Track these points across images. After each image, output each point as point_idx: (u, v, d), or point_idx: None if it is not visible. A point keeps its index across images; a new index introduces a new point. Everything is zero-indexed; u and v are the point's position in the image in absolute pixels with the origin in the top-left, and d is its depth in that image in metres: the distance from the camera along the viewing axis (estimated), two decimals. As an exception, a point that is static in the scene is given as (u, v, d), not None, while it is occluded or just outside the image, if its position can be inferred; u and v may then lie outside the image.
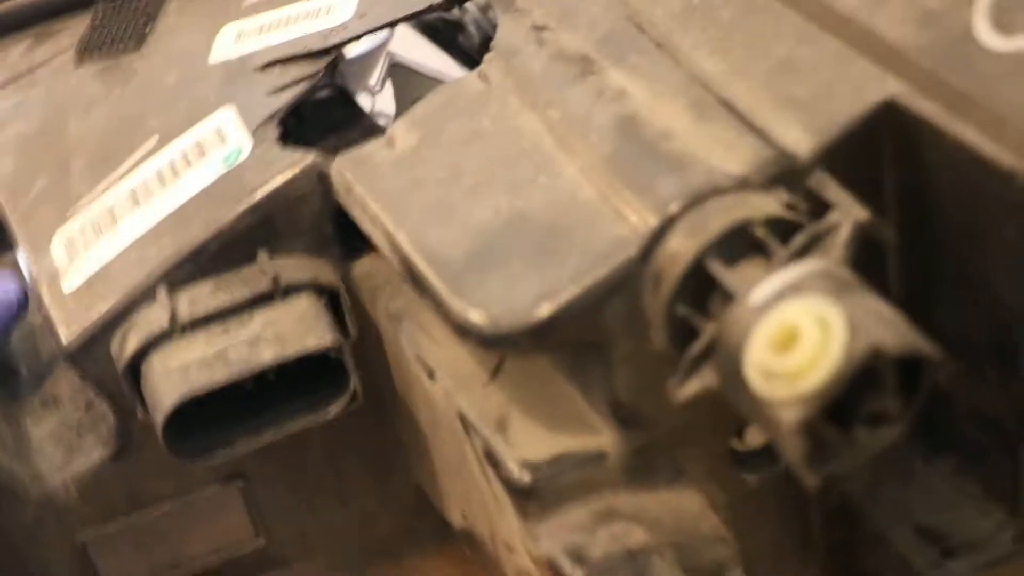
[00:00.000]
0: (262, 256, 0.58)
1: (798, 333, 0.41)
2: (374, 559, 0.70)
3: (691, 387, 0.46)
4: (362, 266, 0.59)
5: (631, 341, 0.48)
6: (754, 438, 0.52)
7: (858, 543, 0.54)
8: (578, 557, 0.49)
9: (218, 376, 0.55)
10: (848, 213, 0.45)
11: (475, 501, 0.56)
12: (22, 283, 0.62)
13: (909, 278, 0.50)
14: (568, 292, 0.47)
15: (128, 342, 0.57)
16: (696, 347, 0.45)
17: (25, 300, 0.62)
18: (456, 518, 0.61)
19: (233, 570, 0.67)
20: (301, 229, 0.58)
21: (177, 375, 0.56)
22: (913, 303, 0.48)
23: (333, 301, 0.58)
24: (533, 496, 0.50)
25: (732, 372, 0.43)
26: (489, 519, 0.55)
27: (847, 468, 0.43)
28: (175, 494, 0.63)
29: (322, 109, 0.65)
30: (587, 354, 0.49)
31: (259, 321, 0.57)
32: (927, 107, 0.46)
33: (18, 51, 0.75)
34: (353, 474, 0.65)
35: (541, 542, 0.50)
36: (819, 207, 0.46)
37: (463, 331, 0.48)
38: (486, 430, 0.51)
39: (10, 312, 0.61)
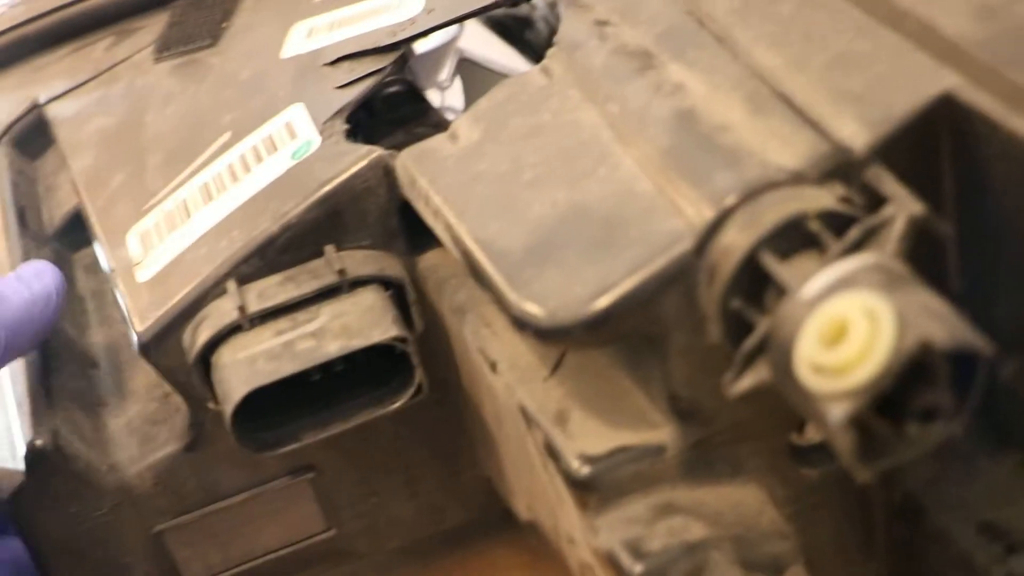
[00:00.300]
0: (329, 250, 0.58)
1: (847, 327, 0.41)
2: (444, 550, 0.70)
3: (745, 382, 0.45)
4: (428, 259, 0.60)
5: (687, 334, 0.48)
6: (814, 433, 0.52)
7: (921, 540, 0.54)
8: (636, 550, 0.49)
9: (285, 368, 0.56)
10: (903, 207, 0.45)
11: (538, 494, 0.56)
12: (59, 274, 0.63)
13: (968, 273, 0.49)
14: (624, 285, 0.47)
15: (199, 334, 0.58)
16: (750, 341, 0.45)
17: (63, 291, 0.63)
18: (522, 510, 0.62)
19: (306, 563, 0.68)
20: (368, 223, 0.59)
21: (245, 367, 0.56)
22: (973, 298, 0.47)
23: (399, 294, 0.59)
24: (592, 489, 0.50)
25: (784, 367, 0.43)
26: (552, 512, 0.56)
27: (899, 463, 0.43)
28: (247, 486, 0.64)
29: (391, 104, 0.66)
30: (644, 348, 0.49)
31: (326, 314, 0.57)
32: (984, 100, 0.45)
33: (101, 48, 0.77)
34: (421, 466, 0.66)
35: (600, 535, 0.50)
36: (875, 201, 0.46)
37: (521, 324, 0.49)
38: (546, 423, 0.52)
39: (49, 304, 0.62)
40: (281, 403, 0.58)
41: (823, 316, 0.42)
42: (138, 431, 0.63)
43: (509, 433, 0.57)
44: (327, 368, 0.57)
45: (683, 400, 0.50)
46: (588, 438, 0.51)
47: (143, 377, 0.65)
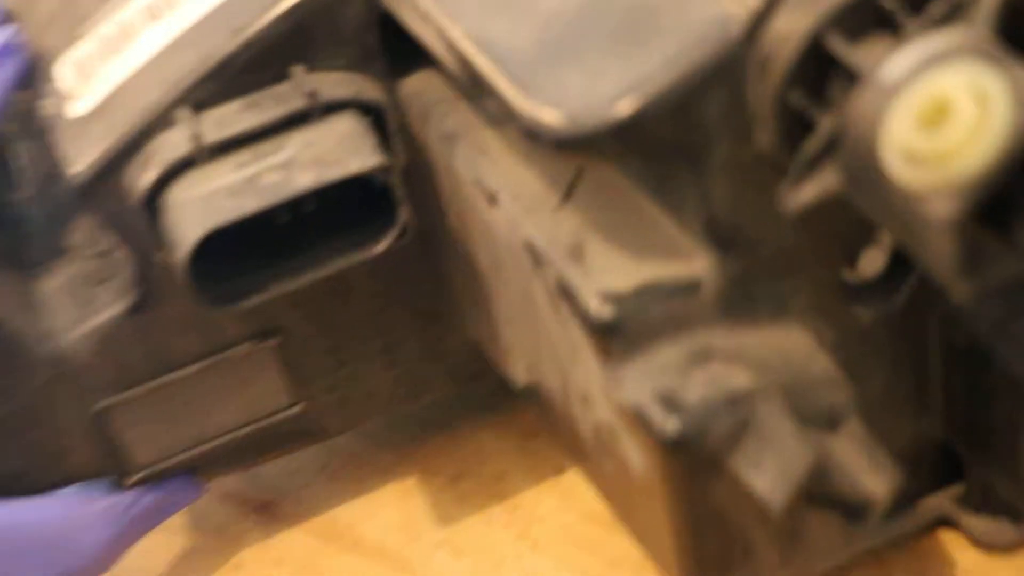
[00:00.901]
0: (297, 71, 0.52)
1: (950, 107, 0.35)
2: (423, 430, 0.65)
3: (808, 192, 0.39)
4: (412, 83, 0.53)
5: (732, 142, 0.41)
6: (869, 265, 0.45)
7: (986, 390, 0.47)
8: (671, 403, 0.42)
9: (248, 205, 0.49)
10: (996, -22, 0.38)
11: (543, 350, 0.50)
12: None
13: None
14: (657, 83, 0.40)
15: (146, 171, 0.51)
16: (813, 142, 0.38)
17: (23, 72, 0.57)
18: (519, 374, 0.55)
19: (268, 444, 0.61)
20: (342, 39, 0.52)
21: (201, 205, 0.49)
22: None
23: (379, 122, 0.52)
24: (616, 333, 0.43)
25: (863, 165, 0.36)
26: (561, 369, 0.49)
27: (1004, 279, 0.36)
28: (202, 354, 0.57)
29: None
30: (679, 161, 0.42)
31: (295, 143, 0.51)
32: None
33: None
34: (401, 329, 0.59)
35: (626, 387, 0.43)
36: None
37: (535, 135, 0.42)
38: (559, 259, 0.45)
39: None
40: (243, 258, 0.51)
41: (920, 93, 0.35)
42: (75, 293, 0.56)
43: (510, 279, 0.49)
44: (297, 209, 0.50)
45: (723, 224, 0.43)
46: (610, 273, 0.44)
47: (83, 231, 0.57)
